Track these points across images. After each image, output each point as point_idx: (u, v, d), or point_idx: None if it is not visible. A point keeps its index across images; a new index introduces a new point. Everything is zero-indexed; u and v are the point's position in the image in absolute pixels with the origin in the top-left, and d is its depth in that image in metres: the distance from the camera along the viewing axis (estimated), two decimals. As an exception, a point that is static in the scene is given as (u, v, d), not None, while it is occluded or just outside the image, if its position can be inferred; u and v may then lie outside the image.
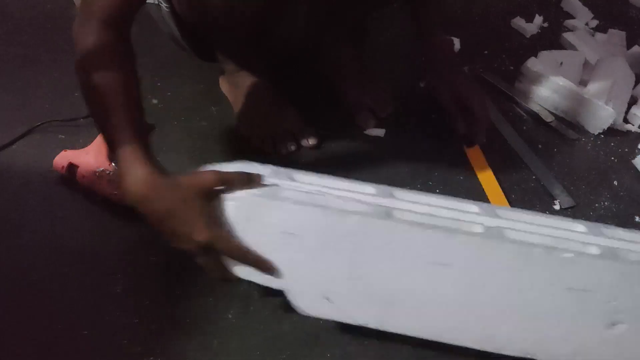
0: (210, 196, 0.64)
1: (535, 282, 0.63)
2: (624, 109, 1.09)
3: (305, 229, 0.64)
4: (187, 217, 0.63)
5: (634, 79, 1.15)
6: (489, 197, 0.92)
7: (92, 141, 0.91)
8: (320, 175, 0.70)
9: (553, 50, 1.19)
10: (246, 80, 0.99)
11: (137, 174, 0.63)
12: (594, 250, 0.63)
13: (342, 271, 0.66)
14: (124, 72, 0.68)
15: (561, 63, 1.14)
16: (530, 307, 0.64)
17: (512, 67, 1.20)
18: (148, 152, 0.65)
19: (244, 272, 0.68)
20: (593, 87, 1.09)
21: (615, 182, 0.99)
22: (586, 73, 1.15)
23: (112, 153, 0.67)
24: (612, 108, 1.05)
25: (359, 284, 0.66)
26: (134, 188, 0.63)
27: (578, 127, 1.06)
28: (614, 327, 0.64)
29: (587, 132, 1.06)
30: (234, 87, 1.00)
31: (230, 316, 0.74)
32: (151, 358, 0.70)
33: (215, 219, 0.64)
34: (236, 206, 0.64)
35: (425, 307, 0.66)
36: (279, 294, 0.69)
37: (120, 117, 0.65)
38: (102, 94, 0.66)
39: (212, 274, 0.68)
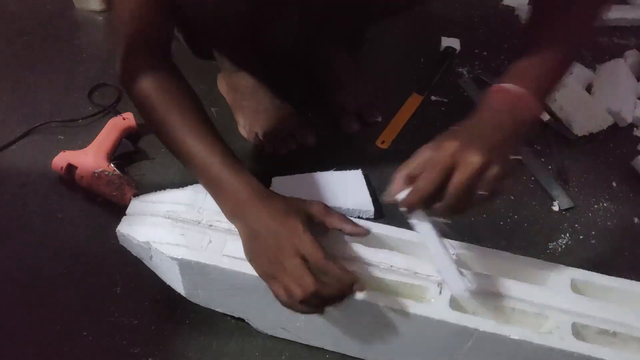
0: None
1: (480, 347, 0.63)
2: (632, 111, 1.09)
3: (250, 286, 0.64)
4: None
5: (636, 81, 1.15)
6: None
7: (91, 142, 0.91)
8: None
9: None
10: (244, 80, 0.99)
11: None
12: (545, 328, 0.62)
13: (293, 316, 0.66)
14: (193, 106, 0.68)
15: (571, 73, 1.14)
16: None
17: (511, 68, 1.20)
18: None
19: (205, 299, 0.69)
20: (599, 90, 1.09)
21: (614, 184, 0.99)
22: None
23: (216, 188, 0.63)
24: (619, 110, 1.05)
25: (311, 325, 0.68)
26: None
27: (577, 128, 1.06)
28: None
29: (586, 133, 1.06)
30: (233, 87, 1.00)
31: (229, 317, 0.74)
32: (150, 358, 0.70)
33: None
34: (181, 264, 0.64)
35: (376, 345, 0.68)
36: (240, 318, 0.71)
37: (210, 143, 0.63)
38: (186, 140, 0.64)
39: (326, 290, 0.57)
